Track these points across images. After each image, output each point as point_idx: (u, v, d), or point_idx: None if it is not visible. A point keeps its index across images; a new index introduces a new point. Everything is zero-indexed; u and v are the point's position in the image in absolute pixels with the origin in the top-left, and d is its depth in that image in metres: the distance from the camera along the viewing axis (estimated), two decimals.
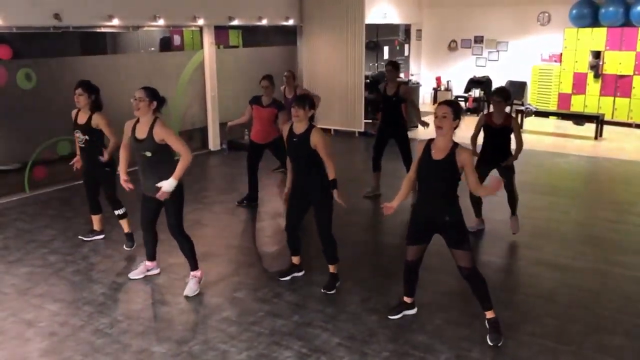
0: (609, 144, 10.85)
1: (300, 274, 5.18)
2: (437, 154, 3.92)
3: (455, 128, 3.94)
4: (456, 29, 14.70)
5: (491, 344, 4.04)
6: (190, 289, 4.82)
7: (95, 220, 5.98)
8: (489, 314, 4.14)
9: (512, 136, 5.83)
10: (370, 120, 12.34)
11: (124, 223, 5.77)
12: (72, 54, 10.93)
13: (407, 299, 4.48)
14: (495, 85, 14.11)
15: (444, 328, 4.29)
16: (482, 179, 5.84)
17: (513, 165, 5.89)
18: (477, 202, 6.07)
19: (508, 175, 5.85)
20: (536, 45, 13.62)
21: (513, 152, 5.89)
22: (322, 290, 4.85)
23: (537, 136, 11.45)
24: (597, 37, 12.36)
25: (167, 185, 4.48)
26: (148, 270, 5.17)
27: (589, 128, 11.58)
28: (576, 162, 9.45)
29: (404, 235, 6.24)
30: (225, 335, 4.22)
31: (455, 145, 3.92)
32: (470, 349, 4.02)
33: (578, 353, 3.98)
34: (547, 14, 13.38)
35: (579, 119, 12.08)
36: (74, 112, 5.56)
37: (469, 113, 13.83)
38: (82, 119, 5.47)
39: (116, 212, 5.74)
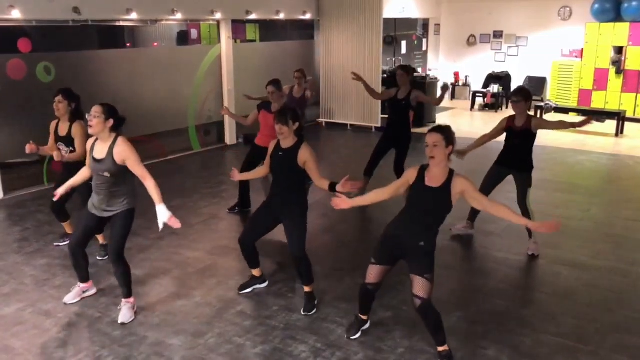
0: (630, 141, 10.67)
1: (263, 285, 4.88)
2: (432, 181, 3.64)
3: (449, 155, 3.63)
4: (475, 24, 14.55)
5: None
6: (125, 315, 4.36)
7: (67, 226, 5.73)
8: (441, 348, 3.83)
9: (532, 143, 5.53)
10: (387, 116, 12.29)
11: (99, 237, 5.50)
12: (91, 47, 11.03)
13: (363, 317, 4.19)
14: (514, 80, 13.98)
15: (461, 326, 4.25)
16: (496, 181, 5.69)
17: (530, 178, 5.54)
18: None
19: (523, 188, 5.53)
20: (557, 41, 13.43)
21: (533, 162, 5.59)
22: (303, 313, 4.46)
23: (557, 133, 11.28)
24: (619, 32, 12.14)
25: (164, 214, 4.09)
26: (84, 292, 4.72)
27: (610, 125, 11.40)
28: (596, 160, 9.31)
29: None
30: (241, 329, 4.23)
31: (451, 173, 3.64)
32: (487, 347, 3.98)
33: (596, 353, 3.92)
34: (568, 9, 13.18)
35: (600, 115, 11.90)
36: (53, 123, 5.30)
37: (487, 109, 13.71)
38: (63, 131, 5.21)
39: None
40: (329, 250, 5.63)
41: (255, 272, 4.86)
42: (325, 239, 6.00)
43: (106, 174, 4.15)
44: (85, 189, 4.73)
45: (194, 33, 13.38)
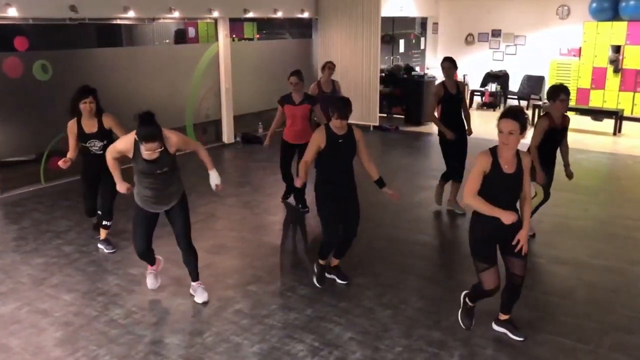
0: (628, 140, 10.67)
1: (345, 282, 4.92)
2: (508, 167, 3.62)
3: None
4: (473, 23, 14.53)
5: (520, 339, 4.00)
6: (202, 295, 4.60)
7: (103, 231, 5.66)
8: (506, 316, 4.10)
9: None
10: (385, 115, 12.29)
11: (103, 232, 5.58)
12: (88, 45, 11.00)
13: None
14: (512, 79, 13.96)
15: (458, 324, 4.23)
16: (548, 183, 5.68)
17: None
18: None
19: (550, 179, 5.62)
20: (555, 39, 13.41)
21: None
22: (341, 282, 4.87)
23: None
24: (617, 31, 12.14)
25: (216, 177, 4.54)
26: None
27: (608, 124, 11.40)
28: (595, 159, 9.30)
29: (420, 231, 6.21)
30: (238, 327, 4.21)
31: (518, 153, 3.68)
32: (485, 346, 3.97)
33: (596, 352, 3.91)
34: (566, 8, 13.17)
35: (598, 114, 11.89)
36: (72, 123, 5.22)
37: (485, 107, 13.71)
38: (91, 127, 5.21)
39: (106, 223, 5.52)
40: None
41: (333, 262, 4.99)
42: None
43: (165, 169, 4.20)
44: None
45: (191, 31, 13.35)
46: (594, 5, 12.30)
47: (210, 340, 4.05)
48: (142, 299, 4.66)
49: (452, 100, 6.43)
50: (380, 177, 4.68)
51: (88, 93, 5.13)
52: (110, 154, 4.37)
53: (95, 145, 5.27)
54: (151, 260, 4.75)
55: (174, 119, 9.53)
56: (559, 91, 5.32)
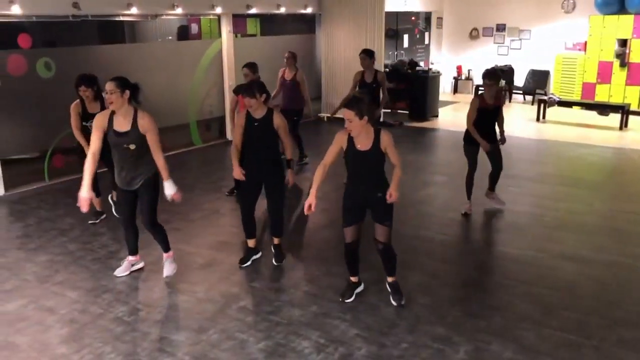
0: (635, 134, 10.60)
1: (258, 255, 5.30)
2: (362, 146, 4.08)
3: (368, 121, 3.98)
4: (478, 17, 14.48)
5: (395, 304, 4.40)
6: (168, 268, 4.94)
7: (97, 203, 6.14)
8: (391, 279, 4.50)
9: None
10: (389, 110, 12.25)
11: (96, 203, 6.04)
12: (91, 42, 11.00)
13: (353, 279, 4.60)
14: (517, 74, 13.91)
15: (463, 320, 4.23)
16: (475, 159, 6.23)
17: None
18: (470, 185, 6.31)
19: (496, 150, 6.16)
20: (560, 33, 13.35)
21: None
22: (275, 262, 5.19)
23: (560, 126, 11.25)
24: (623, 24, 12.05)
25: (169, 187, 4.57)
26: (132, 265, 5.06)
27: (614, 118, 11.34)
28: (600, 153, 9.26)
29: (424, 227, 6.21)
30: (243, 324, 4.21)
31: (378, 132, 4.08)
32: (490, 341, 3.96)
33: (599, 347, 3.89)
34: (571, 1, 13.09)
35: (604, 109, 11.83)
36: (76, 103, 5.86)
37: None
38: (94, 109, 5.77)
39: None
40: (330, 246, 5.61)
41: (251, 243, 5.26)
42: (326, 234, 5.99)
43: (132, 146, 4.37)
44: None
45: (194, 27, 13.34)
46: None
47: (215, 337, 4.06)
48: (147, 296, 4.67)
49: (364, 88, 7.20)
50: (291, 159, 5.05)
51: (80, 83, 5.75)
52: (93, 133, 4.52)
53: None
54: (131, 245, 5.01)
55: (177, 115, 9.55)
56: (484, 77, 5.94)
